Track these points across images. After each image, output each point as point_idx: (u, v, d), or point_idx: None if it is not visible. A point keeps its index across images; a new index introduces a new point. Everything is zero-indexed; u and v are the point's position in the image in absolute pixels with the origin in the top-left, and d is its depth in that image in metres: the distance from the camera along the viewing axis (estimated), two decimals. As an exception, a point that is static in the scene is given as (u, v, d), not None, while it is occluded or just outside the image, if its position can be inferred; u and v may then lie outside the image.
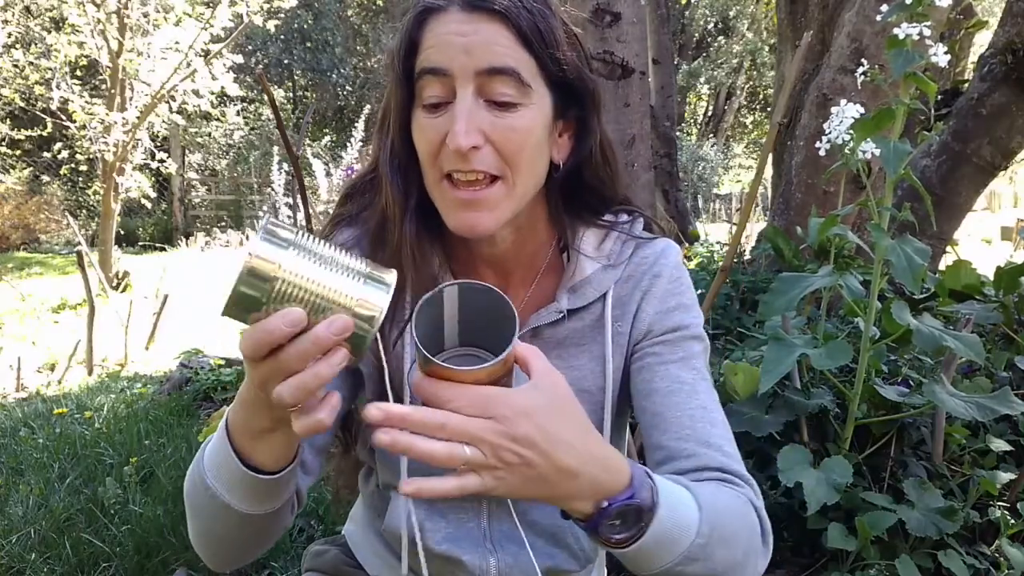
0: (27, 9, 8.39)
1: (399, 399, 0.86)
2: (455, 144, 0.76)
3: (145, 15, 7.55)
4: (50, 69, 7.93)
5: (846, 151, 1.47)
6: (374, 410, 0.57)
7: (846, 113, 1.46)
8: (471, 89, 0.78)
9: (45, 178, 13.36)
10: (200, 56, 7.77)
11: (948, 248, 2.46)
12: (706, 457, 0.80)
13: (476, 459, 0.58)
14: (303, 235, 0.58)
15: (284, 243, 0.57)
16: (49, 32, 8.12)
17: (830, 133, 1.49)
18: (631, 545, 0.66)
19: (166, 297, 4.66)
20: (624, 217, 0.92)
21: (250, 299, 0.56)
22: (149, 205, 10.13)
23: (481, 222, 0.80)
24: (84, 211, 13.49)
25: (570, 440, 0.62)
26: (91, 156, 7.89)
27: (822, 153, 1.55)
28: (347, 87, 16.64)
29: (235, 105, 12.73)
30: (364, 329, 0.58)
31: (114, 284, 7.41)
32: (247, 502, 0.72)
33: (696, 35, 19.15)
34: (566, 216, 0.89)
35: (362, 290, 0.58)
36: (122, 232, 11.13)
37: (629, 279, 0.90)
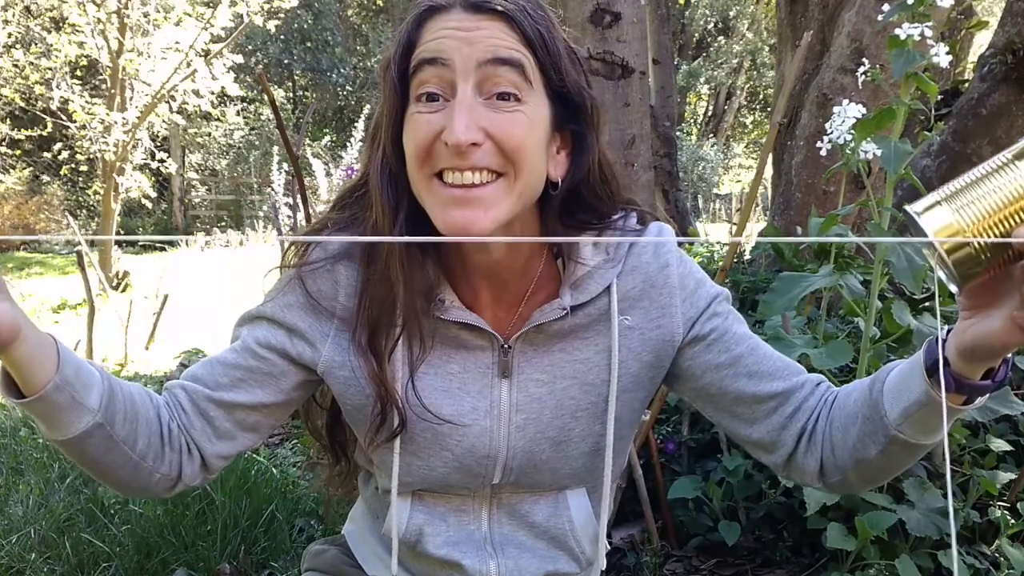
0: (27, 9, 8.38)
1: (397, 408, 0.86)
2: (453, 139, 0.73)
3: (145, 15, 7.54)
4: (50, 69, 7.91)
5: (847, 151, 1.47)
6: None
7: (848, 113, 1.46)
8: (471, 83, 0.75)
9: (45, 178, 13.35)
10: (200, 56, 7.76)
11: (948, 248, 2.45)
12: (811, 376, 0.88)
13: None
14: None
15: None
16: (49, 32, 8.10)
17: (831, 133, 1.49)
18: (981, 398, 0.73)
19: (166, 297, 4.64)
20: (617, 214, 0.90)
21: None
22: (149, 205, 10.15)
23: (477, 221, 0.76)
24: (84, 211, 13.48)
25: None
26: (91, 156, 7.87)
27: (823, 153, 1.55)
28: (347, 87, 16.65)
29: (235, 105, 12.76)
30: None
31: (114, 284, 7.40)
32: (43, 427, 0.76)
33: (696, 35, 19.15)
34: (561, 228, 0.86)
35: None
36: (122, 232, 11.13)
37: (634, 270, 0.88)
